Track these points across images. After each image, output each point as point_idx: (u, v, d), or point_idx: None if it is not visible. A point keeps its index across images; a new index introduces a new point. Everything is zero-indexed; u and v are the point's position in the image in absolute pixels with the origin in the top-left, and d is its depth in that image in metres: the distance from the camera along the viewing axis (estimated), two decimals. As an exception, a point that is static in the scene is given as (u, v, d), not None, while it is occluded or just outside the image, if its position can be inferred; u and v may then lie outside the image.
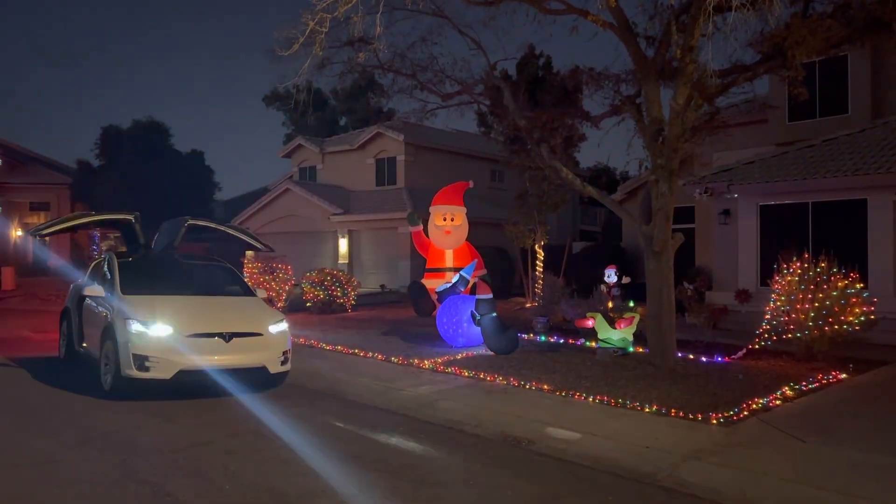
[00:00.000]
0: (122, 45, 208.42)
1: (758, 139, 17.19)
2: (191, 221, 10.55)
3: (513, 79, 29.13)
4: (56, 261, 32.15)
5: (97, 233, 36.28)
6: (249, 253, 27.11)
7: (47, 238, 33.39)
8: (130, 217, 10.62)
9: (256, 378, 8.71)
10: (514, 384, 8.91)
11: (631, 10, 17.53)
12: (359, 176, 28.28)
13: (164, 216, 11.85)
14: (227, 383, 8.42)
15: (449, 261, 17.66)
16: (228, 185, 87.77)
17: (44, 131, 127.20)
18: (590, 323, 11.06)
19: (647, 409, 7.51)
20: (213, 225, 11.56)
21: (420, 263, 19.70)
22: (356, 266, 26.07)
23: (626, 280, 12.10)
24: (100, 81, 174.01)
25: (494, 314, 11.23)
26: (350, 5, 9.28)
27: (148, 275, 9.80)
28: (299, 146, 31.10)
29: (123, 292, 9.03)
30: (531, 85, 21.34)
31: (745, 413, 7.33)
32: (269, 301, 14.04)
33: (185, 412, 7.80)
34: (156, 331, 8.21)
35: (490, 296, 11.49)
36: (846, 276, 10.07)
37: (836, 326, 9.88)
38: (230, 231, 11.75)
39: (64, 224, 11.20)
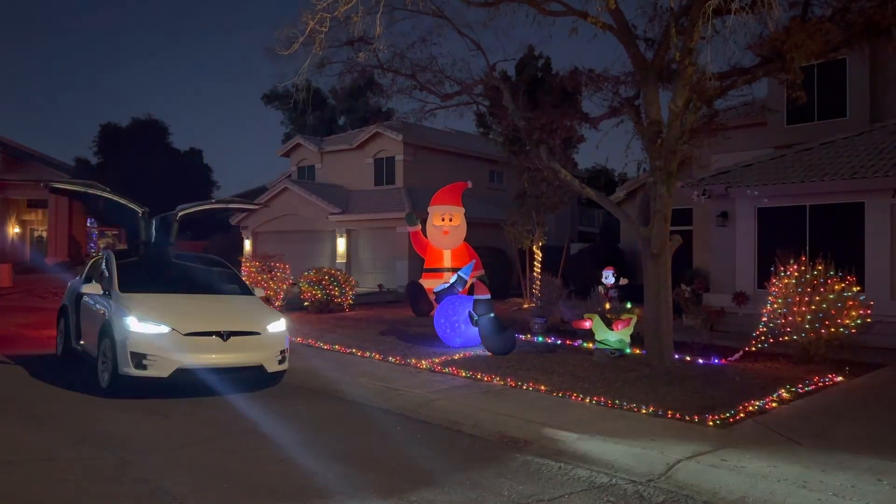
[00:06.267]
0: (121, 42, 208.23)
1: (756, 142, 17.23)
2: (181, 213, 10.55)
3: (512, 80, 29.10)
4: (53, 258, 32.11)
5: (95, 231, 36.24)
6: (247, 251, 27.11)
7: (44, 237, 33.44)
8: (139, 210, 10.61)
9: (254, 377, 8.72)
10: (511, 385, 8.92)
11: (630, 13, 17.58)
12: (357, 175, 28.29)
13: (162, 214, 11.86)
14: (224, 382, 8.42)
15: (447, 261, 17.69)
16: (227, 183, 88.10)
17: (42, 128, 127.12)
18: (587, 324, 11.07)
19: (643, 411, 7.52)
20: (200, 207, 11.52)
21: (418, 263, 19.72)
22: (354, 265, 26.07)
23: (623, 281, 12.10)
24: (99, 79, 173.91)
25: (492, 314, 11.24)
26: (350, 5, 9.30)
27: (146, 273, 9.80)
28: (298, 145, 31.10)
29: (121, 290, 9.02)
30: (530, 86, 21.34)
31: (742, 415, 7.34)
32: (267, 300, 14.05)
33: (182, 410, 7.80)
34: (153, 329, 8.21)
35: (488, 296, 11.50)
36: (843, 279, 10.09)
37: (833, 329, 9.90)
38: (218, 205, 11.72)
39: (77, 187, 11.21)
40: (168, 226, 10.54)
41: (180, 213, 10.52)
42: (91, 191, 10.92)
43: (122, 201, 10.68)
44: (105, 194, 10.71)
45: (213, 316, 8.77)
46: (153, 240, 10.76)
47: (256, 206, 12.04)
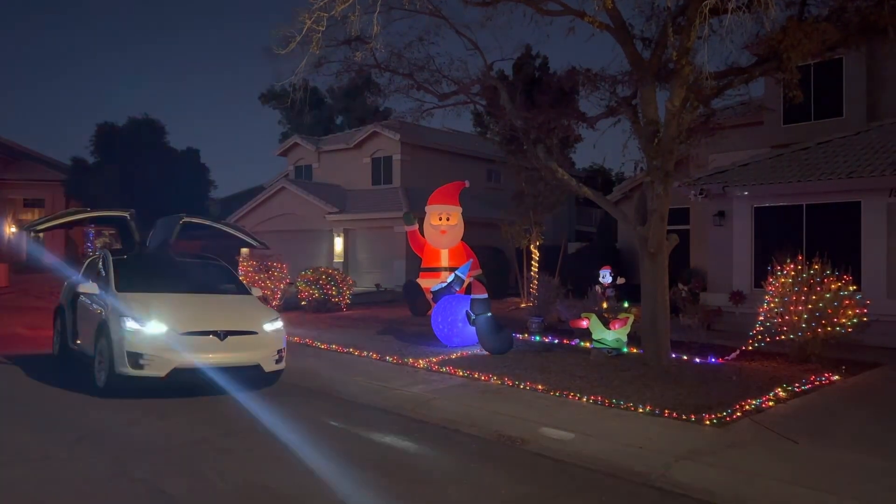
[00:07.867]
0: (118, 42, 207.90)
1: (753, 141, 17.23)
2: (186, 219, 10.52)
3: (509, 79, 29.03)
4: (50, 258, 32.05)
5: (92, 230, 36.16)
6: (244, 251, 27.04)
7: (41, 235, 33.40)
8: (125, 214, 10.60)
9: (251, 376, 8.71)
10: (508, 384, 8.92)
11: (628, 12, 17.55)
12: (355, 175, 28.26)
13: (159, 214, 11.83)
14: (221, 381, 8.42)
15: (444, 260, 17.68)
16: (224, 183, 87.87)
17: (39, 128, 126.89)
18: (584, 323, 11.07)
19: (640, 410, 7.53)
20: (208, 222, 11.51)
21: (416, 263, 19.70)
22: (352, 265, 26.05)
23: (620, 281, 12.11)
24: (96, 79, 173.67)
25: (489, 314, 11.24)
26: (347, 4, 9.29)
27: (143, 272, 9.79)
28: (295, 145, 31.06)
29: (118, 290, 9.01)
30: (528, 85, 21.31)
31: (739, 414, 7.35)
32: (264, 299, 14.03)
33: (179, 410, 7.80)
34: (150, 328, 8.20)
35: (485, 295, 11.50)
36: (840, 279, 10.10)
37: (830, 328, 9.92)
38: (225, 229, 11.72)
39: (58, 220, 11.17)
40: (171, 227, 10.52)
41: (185, 219, 10.48)
42: (72, 218, 10.98)
43: (105, 214, 10.71)
44: (86, 215, 10.76)
45: (210, 315, 8.76)
46: (152, 240, 10.76)
47: (259, 246, 11.96)
